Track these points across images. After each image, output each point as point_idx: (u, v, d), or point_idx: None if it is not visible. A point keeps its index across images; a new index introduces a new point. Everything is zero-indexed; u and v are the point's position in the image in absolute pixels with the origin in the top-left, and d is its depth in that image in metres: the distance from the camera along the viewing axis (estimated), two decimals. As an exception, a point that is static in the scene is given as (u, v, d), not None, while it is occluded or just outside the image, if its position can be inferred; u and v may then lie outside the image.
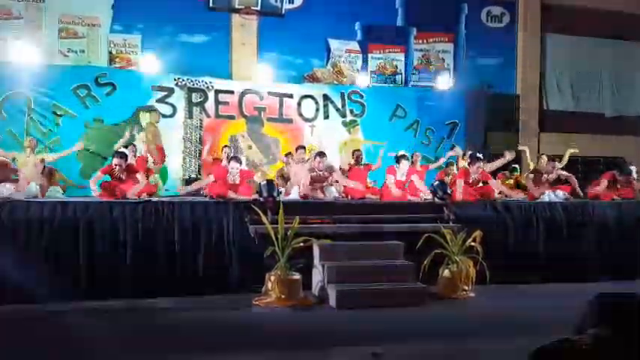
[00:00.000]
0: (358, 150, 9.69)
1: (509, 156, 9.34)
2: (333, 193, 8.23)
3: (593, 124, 13.29)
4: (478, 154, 8.84)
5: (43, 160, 8.10)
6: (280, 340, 4.87)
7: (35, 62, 9.68)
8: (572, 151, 10.54)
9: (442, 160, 10.17)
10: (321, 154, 8.28)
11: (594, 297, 1.99)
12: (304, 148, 9.45)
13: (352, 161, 9.41)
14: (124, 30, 10.83)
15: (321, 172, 8.11)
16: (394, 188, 8.31)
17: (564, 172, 9.24)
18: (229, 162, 8.09)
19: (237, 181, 7.78)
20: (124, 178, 7.46)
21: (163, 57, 10.57)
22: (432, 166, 10.03)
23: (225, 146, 9.83)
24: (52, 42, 10.46)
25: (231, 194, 7.47)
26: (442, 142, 11.56)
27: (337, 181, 8.39)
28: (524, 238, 7.74)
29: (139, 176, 7.74)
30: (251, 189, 7.73)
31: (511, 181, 10.26)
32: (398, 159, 8.65)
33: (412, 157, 9.29)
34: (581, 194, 8.98)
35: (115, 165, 7.46)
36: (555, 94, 13.43)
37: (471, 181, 8.40)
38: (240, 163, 8.15)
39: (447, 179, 9.02)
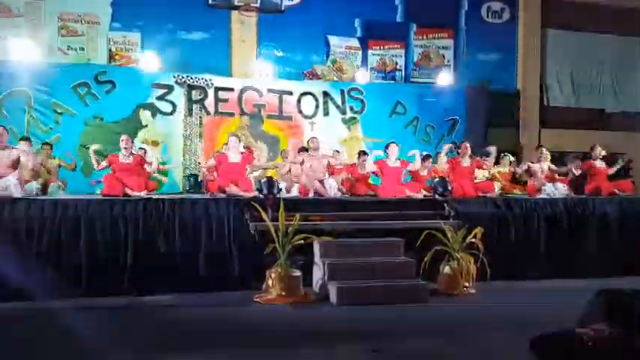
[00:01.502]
0: (365, 154, 9.35)
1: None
2: (333, 188, 8.23)
3: (593, 120, 13.28)
4: (467, 143, 8.87)
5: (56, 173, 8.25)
6: (281, 337, 4.88)
7: (35, 60, 9.68)
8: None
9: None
10: (314, 137, 8.86)
11: (596, 293, 1.99)
12: (307, 150, 9.40)
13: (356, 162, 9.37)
14: (123, 28, 10.83)
15: (316, 153, 8.43)
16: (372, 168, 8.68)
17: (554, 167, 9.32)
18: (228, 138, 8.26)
19: (238, 160, 7.80)
20: (128, 161, 7.55)
21: (163, 54, 10.56)
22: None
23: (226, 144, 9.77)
24: (52, 40, 10.47)
25: (233, 188, 7.44)
26: (442, 139, 11.55)
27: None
28: (524, 234, 7.73)
29: (147, 167, 8.08)
30: (251, 183, 7.75)
31: (506, 170, 10.14)
32: (387, 146, 8.65)
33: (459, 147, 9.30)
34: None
35: (122, 140, 7.63)
36: (556, 90, 13.41)
37: (464, 165, 8.54)
38: (240, 140, 8.20)
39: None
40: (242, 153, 8.08)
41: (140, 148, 9.18)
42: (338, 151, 10.05)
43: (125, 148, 7.61)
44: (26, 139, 8.24)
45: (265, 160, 10.37)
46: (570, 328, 1.95)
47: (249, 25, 11.45)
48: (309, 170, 8.41)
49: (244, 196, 7.24)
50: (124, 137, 7.75)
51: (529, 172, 9.20)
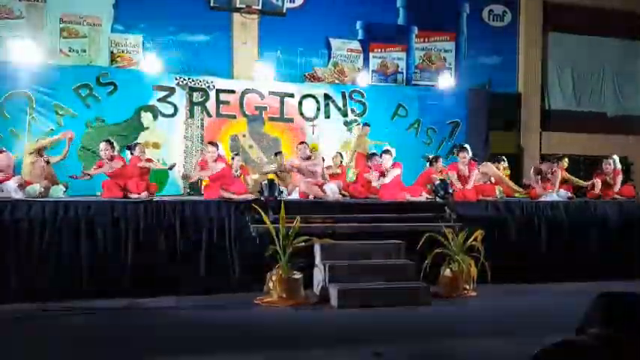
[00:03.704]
0: (375, 154, 9.28)
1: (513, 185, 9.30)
2: (335, 192, 8.22)
3: (594, 123, 13.27)
4: (464, 144, 8.84)
5: (49, 162, 8.12)
6: (281, 339, 4.87)
7: (37, 62, 9.69)
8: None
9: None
10: (302, 142, 8.67)
11: (596, 297, 1.98)
12: (306, 143, 9.34)
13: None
14: (125, 29, 10.84)
15: (305, 161, 8.22)
16: (375, 181, 8.41)
17: (566, 174, 9.28)
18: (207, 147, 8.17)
19: (218, 169, 7.79)
20: (116, 166, 7.61)
21: (164, 56, 10.58)
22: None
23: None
24: (54, 41, 10.47)
25: (224, 192, 7.43)
26: (443, 142, 11.55)
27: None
28: (525, 237, 7.73)
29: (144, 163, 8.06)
30: (242, 184, 7.76)
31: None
32: (381, 154, 8.64)
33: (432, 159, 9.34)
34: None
35: (100, 150, 7.76)
36: (557, 93, 13.41)
37: (460, 173, 8.42)
38: (217, 147, 8.15)
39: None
40: (219, 158, 8.00)
41: (136, 144, 9.06)
42: (340, 154, 10.06)
43: (105, 155, 7.73)
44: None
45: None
46: (571, 338, 1.94)
47: (251, 28, 11.45)
48: (308, 176, 8.38)
49: (238, 199, 7.23)
50: (101, 146, 7.83)
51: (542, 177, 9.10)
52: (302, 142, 8.82)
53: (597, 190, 8.87)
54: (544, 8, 13.09)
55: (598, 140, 12.87)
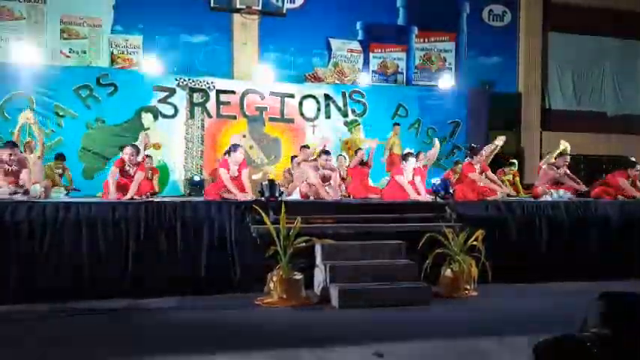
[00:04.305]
0: (361, 149, 9.59)
1: (498, 142, 9.20)
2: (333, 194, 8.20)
3: (595, 123, 13.29)
4: (476, 146, 8.86)
5: (40, 157, 8.08)
6: (282, 339, 4.87)
7: (37, 63, 9.72)
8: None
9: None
10: (327, 152, 8.33)
11: (597, 296, 1.98)
12: (308, 147, 9.35)
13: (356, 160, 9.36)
14: (125, 30, 10.87)
15: (326, 171, 8.11)
16: (410, 189, 8.06)
17: (569, 173, 9.26)
18: (228, 154, 7.81)
19: (236, 174, 7.71)
20: (132, 173, 7.38)
21: (165, 57, 10.60)
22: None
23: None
24: (54, 43, 10.50)
25: (225, 194, 7.41)
26: (444, 142, 11.55)
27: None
28: (526, 237, 7.72)
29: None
30: (244, 186, 7.70)
31: (510, 177, 10.23)
32: (404, 157, 8.60)
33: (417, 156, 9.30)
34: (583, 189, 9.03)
35: (126, 154, 7.37)
36: (557, 93, 13.42)
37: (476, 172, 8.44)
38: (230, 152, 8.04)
39: (455, 177, 9.06)
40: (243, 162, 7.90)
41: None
42: (343, 156, 10.04)
43: (129, 160, 7.35)
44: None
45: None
46: (572, 333, 1.94)
47: (251, 28, 11.47)
48: (301, 176, 8.33)
49: (238, 200, 7.22)
50: (127, 150, 7.37)
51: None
52: (325, 152, 8.34)
53: (627, 188, 8.78)
54: (544, 8, 13.12)
55: (598, 140, 12.89)
